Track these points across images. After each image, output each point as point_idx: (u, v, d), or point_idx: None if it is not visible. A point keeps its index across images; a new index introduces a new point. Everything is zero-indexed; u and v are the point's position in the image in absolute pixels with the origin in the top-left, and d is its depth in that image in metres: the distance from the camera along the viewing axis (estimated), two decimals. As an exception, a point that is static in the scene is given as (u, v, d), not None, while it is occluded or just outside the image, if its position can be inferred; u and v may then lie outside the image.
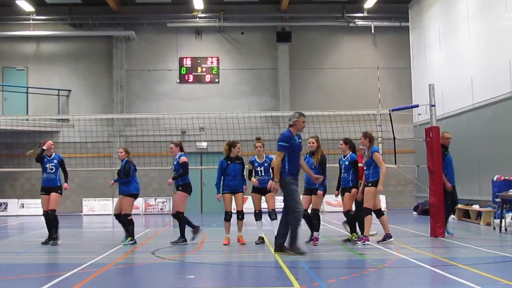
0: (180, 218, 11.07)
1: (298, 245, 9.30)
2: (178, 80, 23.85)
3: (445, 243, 10.90)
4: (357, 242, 10.32)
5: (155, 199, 22.57)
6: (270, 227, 11.02)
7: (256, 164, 10.85)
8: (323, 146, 10.75)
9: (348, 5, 23.54)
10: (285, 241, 9.39)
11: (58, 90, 23.33)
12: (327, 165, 10.66)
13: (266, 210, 10.84)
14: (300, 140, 9.55)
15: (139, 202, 21.87)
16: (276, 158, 9.29)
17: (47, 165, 11.58)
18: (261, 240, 10.79)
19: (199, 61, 23.92)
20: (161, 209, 22.20)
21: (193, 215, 19.74)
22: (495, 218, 13.30)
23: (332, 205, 20.85)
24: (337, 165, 11.08)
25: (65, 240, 12.39)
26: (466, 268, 7.83)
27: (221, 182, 10.84)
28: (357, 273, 7.77)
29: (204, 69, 23.91)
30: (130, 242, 11.13)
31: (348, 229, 11.15)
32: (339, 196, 11.07)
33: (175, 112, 21.33)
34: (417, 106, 14.87)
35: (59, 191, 11.61)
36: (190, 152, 21.40)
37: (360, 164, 10.82)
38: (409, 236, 12.30)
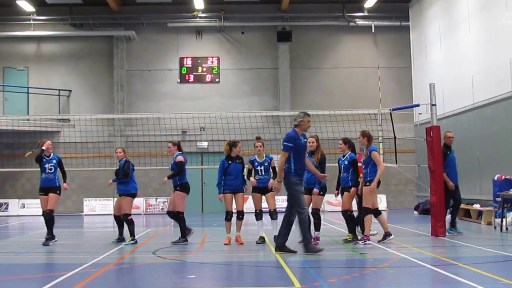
0: (180, 218, 11.08)
1: (312, 245, 9.31)
2: (179, 80, 23.85)
3: (446, 242, 10.90)
4: (358, 241, 10.32)
5: (156, 199, 22.57)
6: (270, 227, 11.01)
7: (256, 163, 10.85)
8: (324, 146, 10.75)
9: (349, 4, 23.53)
10: (286, 241, 9.41)
11: (59, 90, 23.34)
12: (326, 164, 10.68)
13: (266, 209, 10.85)
14: (305, 140, 9.58)
15: (140, 202, 21.90)
16: (281, 158, 9.31)
17: (46, 165, 11.57)
18: (262, 240, 10.79)
19: (199, 61, 23.92)
20: (162, 209, 22.19)
21: (194, 215, 19.80)
22: (496, 217, 13.30)
23: (333, 204, 20.84)
24: (337, 164, 11.08)
25: (66, 240, 12.41)
26: (467, 267, 7.83)
27: (222, 182, 10.84)
28: (358, 273, 7.78)
29: (204, 69, 23.92)
30: (131, 242, 11.14)
31: (359, 229, 11.09)
32: (339, 196, 11.06)
33: (176, 112, 21.35)
34: (417, 105, 14.88)
35: (58, 192, 11.61)
36: (191, 152, 21.46)
37: (359, 164, 10.82)
38: (410, 235, 12.30)
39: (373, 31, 23.51)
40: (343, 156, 10.83)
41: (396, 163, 14.09)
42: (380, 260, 8.71)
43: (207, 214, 21.81)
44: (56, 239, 11.67)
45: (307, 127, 9.50)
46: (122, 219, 11.46)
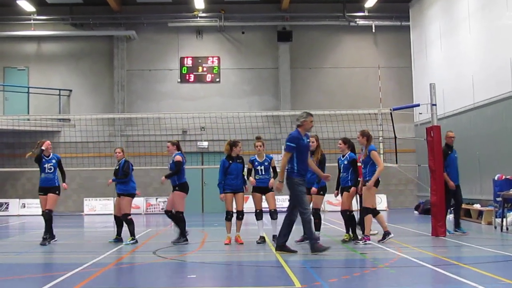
0: (180, 218, 11.07)
1: (318, 244, 9.32)
2: (179, 80, 23.86)
3: (446, 242, 10.90)
4: (359, 241, 10.32)
5: (156, 198, 22.56)
6: (271, 227, 11.01)
7: (256, 163, 10.85)
8: (324, 146, 10.74)
9: (349, 4, 23.53)
10: (286, 241, 9.41)
11: (59, 90, 23.35)
12: (326, 164, 10.68)
13: (267, 209, 10.84)
14: (308, 140, 9.57)
15: (140, 201, 21.90)
16: (283, 158, 9.30)
17: (46, 165, 11.57)
18: (262, 240, 10.79)
19: (200, 60, 23.92)
20: (162, 208, 22.12)
21: (194, 215, 19.79)
22: (496, 217, 13.30)
23: (333, 204, 20.82)
24: (337, 164, 11.08)
25: (66, 240, 12.42)
26: (468, 267, 7.83)
27: (223, 182, 10.84)
28: (359, 273, 7.78)
29: (205, 69, 23.92)
30: (131, 241, 11.14)
31: (360, 229, 11.07)
32: (339, 196, 11.05)
33: (176, 111, 21.36)
34: (418, 105, 14.89)
35: (57, 192, 11.60)
36: (191, 151, 21.46)
37: (359, 164, 10.81)
38: (410, 235, 12.30)
39: (373, 31, 23.52)
40: (343, 156, 10.83)
41: (397, 163, 14.10)
42: (381, 260, 8.71)
43: (207, 214, 21.80)
44: (56, 239, 11.69)
45: (310, 127, 9.49)
46: (122, 219, 11.46)
